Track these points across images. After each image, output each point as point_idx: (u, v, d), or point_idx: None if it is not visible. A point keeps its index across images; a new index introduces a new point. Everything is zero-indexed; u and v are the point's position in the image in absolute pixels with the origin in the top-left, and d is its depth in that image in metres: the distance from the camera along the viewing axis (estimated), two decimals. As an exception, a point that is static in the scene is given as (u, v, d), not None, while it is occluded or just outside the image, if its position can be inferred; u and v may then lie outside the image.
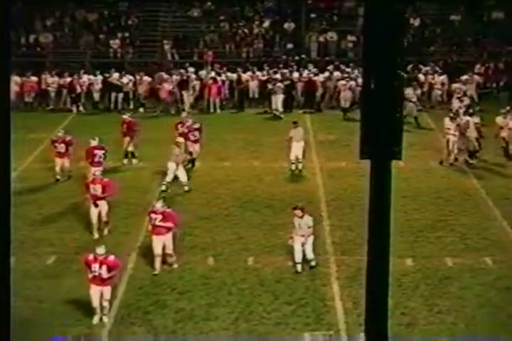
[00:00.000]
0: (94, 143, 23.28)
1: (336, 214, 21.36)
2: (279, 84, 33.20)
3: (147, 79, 34.28)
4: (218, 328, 15.46)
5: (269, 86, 33.27)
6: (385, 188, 7.38)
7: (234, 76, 34.75)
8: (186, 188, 23.17)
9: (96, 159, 22.94)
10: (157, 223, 17.76)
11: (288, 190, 23.34)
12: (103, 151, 23.15)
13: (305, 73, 34.76)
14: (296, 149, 24.74)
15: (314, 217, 18.63)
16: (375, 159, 7.39)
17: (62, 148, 23.91)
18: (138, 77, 34.30)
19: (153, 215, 17.90)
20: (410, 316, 15.84)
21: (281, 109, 32.58)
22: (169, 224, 17.84)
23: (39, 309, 16.14)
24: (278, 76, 34.17)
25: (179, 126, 25.65)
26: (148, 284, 17.36)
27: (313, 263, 18.04)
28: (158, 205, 18.03)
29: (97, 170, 20.89)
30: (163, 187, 23.09)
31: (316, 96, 34.07)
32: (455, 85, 33.35)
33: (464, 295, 16.81)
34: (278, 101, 32.71)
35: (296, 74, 34.67)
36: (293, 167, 24.90)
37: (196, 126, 25.45)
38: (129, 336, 15.25)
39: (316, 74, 34.55)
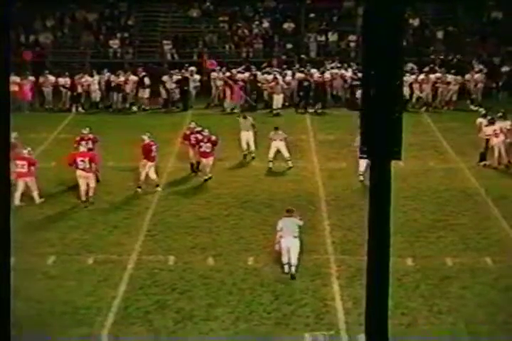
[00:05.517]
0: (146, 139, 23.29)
1: (336, 214, 21.36)
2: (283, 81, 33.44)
3: (133, 78, 34.24)
4: (218, 328, 15.46)
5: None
6: (385, 188, 7.38)
7: (246, 75, 34.72)
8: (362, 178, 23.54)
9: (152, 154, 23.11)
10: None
11: (288, 190, 23.33)
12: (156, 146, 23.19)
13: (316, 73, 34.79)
14: (246, 138, 26.28)
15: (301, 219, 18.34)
16: (375, 159, 7.40)
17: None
18: (123, 77, 34.22)
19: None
20: (410, 316, 15.83)
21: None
22: None
23: (39, 309, 16.13)
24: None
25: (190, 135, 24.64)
26: (149, 284, 17.35)
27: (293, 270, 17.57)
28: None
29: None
30: (361, 178, 23.49)
31: (327, 95, 34.14)
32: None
33: (464, 295, 16.80)
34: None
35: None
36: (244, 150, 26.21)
37: (213, 138, 24.25)
38: (129, 336, 15.24)
39: (337, 69, 34.64)
